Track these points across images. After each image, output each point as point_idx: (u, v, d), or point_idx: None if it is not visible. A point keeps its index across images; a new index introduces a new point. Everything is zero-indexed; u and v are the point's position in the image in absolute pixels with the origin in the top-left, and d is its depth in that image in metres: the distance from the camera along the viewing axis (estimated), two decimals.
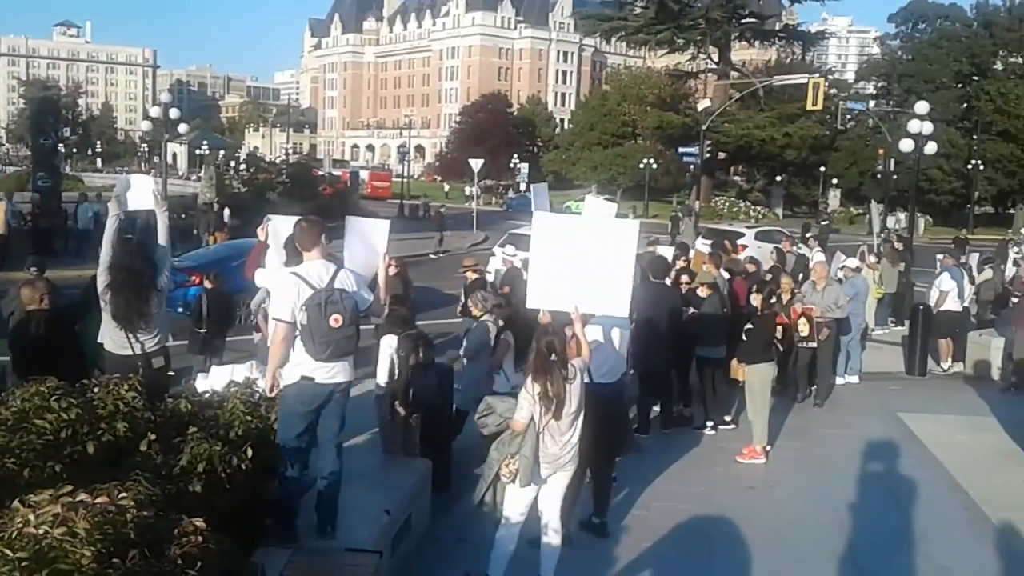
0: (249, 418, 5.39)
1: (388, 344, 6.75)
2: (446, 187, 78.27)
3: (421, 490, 6.49)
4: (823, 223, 41.33)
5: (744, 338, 8.42)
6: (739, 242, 20.94)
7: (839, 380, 11.60)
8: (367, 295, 5.32)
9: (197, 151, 79.72)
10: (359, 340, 5.11)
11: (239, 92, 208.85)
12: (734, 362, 8.79)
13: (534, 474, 5.25)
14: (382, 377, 6.74)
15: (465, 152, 69.98)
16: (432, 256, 28.85)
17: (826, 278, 11.00)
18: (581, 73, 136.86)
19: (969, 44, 65.21)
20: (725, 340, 9.18)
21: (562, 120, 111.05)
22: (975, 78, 64.43)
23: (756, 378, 8.36)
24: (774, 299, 8.69)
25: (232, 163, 75.28)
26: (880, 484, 7.83)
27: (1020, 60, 63.98)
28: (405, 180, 65.13)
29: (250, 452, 4.85)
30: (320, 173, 53.31)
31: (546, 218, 6.42)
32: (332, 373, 5.05)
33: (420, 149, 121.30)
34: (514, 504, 5.33)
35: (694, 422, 9.49)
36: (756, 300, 8.54)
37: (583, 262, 5.93)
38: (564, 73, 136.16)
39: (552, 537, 5.43)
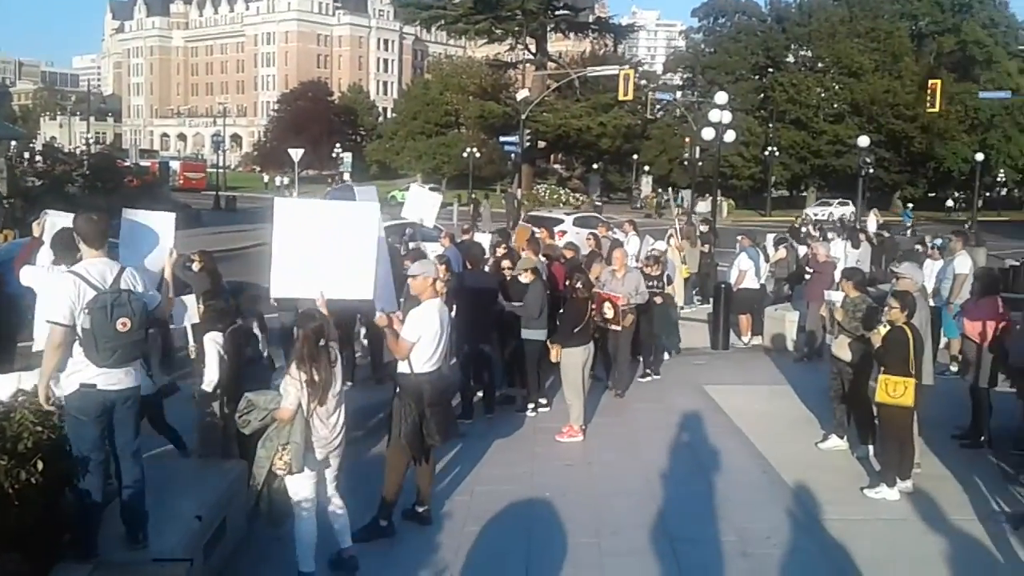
0: (40, 429, 4.99)
1: (213, 340, 6.46)
2: (265, 178, 75.76)
3: (237, 492, 6.26)
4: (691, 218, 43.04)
5: (559, 322, 8.66)
6: (559, 228, 21.59)
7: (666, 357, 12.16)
8: (156, 296, 5.07)
9: None
10: (147, 343, 4.85)
11: (32, 78, 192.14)
12: (551, 344, 9.04)
13: (308, 459, 5.32)
14: (211, 375, 6.44)
15: (285, 141, 67.96)
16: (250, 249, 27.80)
17: (625, 265, 10.74)
18: (403, 61, 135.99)
19: (764, 38, 70.01)
20: (547, 323, 9.42)
21: (385, 109, 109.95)
22: (770, 70, 69.26)
23: (570, 360, 8.63)
24: (580, 284, 8.90)
25: (26, 154, 69.39)
26: (688, 453, 8.31)
27: (810, 53, 69.31)
28: (221, 171, 62.40)
29: (41, 465, 4.51)
30: (126, 164, 50.06)
31: (287, 204, 6.44)
32: (116, 379, 4.75)
33: (237, 138, 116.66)
34: (300, 493, 5.39)
35: (517, 404, 9.70)
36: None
37: (326, 247, 6.01)
38: (385, 61, 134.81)
39: (341, 513, 5.64)
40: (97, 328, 4.58)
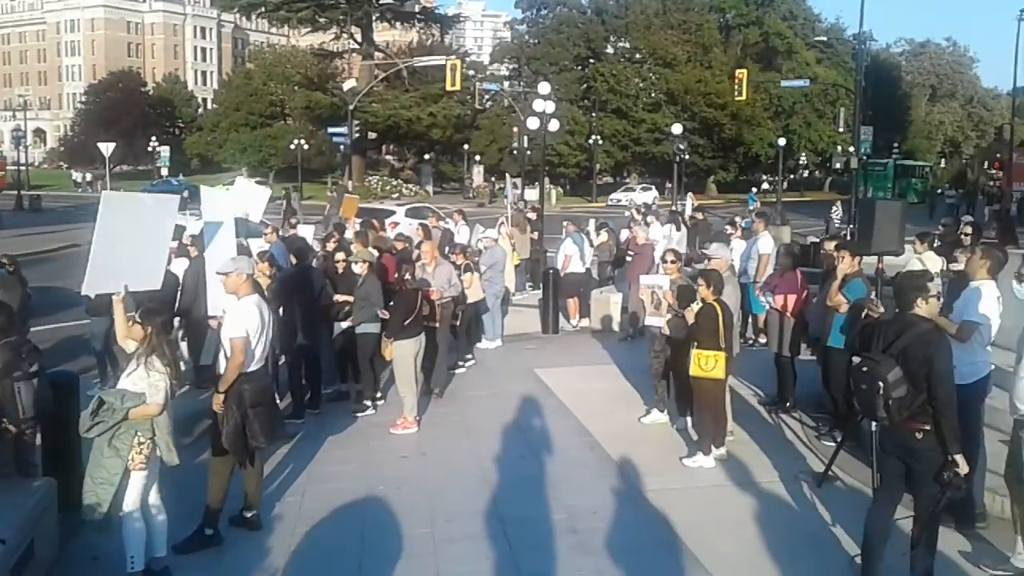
0: None
1: None
2: (74, 175, 70.82)
3: (44, 512, 5.85)
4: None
5: (388, 314, 8.62)
6: (390, 220, 21.46)
7: (484, 344, 12.35)
8: None
9: None
10: None
11: None
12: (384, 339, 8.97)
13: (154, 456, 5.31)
14: None
15: (95, 135, 63.55)
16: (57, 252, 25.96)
17: (435, 259, 10.34)
18: (222, 50, 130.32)
19: (585, 30, 72.11)
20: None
21: (205, 100, 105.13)
22: (591, 61, 71.48)
23: (401, 353, 8.61)
24: (408, 275, 8.92)
25: None
26: (519, 436, 8.49)
27: (627, 45, 72.00)
28: (23, 168, 57.69)
29: None
30: None
31: (113, 198, 6.29)
32: None
33: (40, 133, 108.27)
34: (138, 490, 5.31)
35: (352, 399, 9.60)
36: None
37: (129, 239, 5.97)
38: (203, 50, 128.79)
39: (161, 519, 5.53)
40: None
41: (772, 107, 69.57)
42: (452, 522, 6.43)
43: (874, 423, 6.34)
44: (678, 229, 17.53)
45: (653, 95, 68.16)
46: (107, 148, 37.24)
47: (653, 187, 61.36)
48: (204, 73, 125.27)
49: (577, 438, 8.44)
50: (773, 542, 6.01)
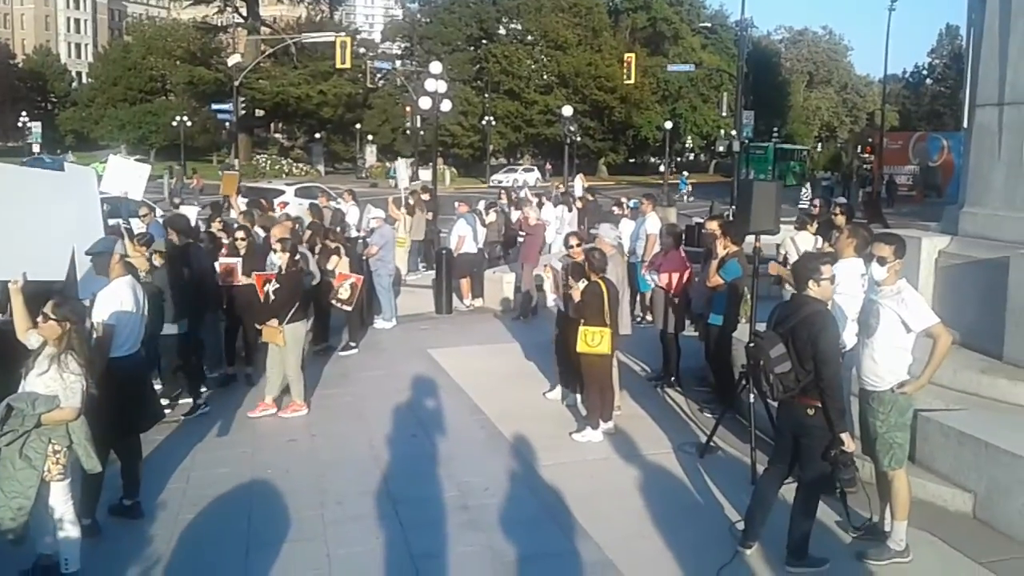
0: None
1: None
2: None
3: None
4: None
5: (272, 297, 8.42)
6: (279, 199, 20.92)
7: (379, 324, 12.28)
8: None
9: None
10: None
11: None
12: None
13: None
14: None
15: None
16: None
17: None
18: (97, 22, 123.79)
19: (477, 10, 71.82)
20: None
21: (79, 74, 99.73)
22: (484, 41, 71.34)
23: (293, 335, 8.44)
24: (297, 256, 8.77)
25: None
26: (412, 416, 8.49)
27: (519, 26, 72.17)
28: None
29: None
30: None
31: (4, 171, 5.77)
32: None
33: None
34: (65, 497, 4.95)
35: (239, 380, 9.40)
36: (281, 259, 8.52)
37: (27, 221, 5.47)
38: (77, 21, 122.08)
39: (73, 527, 5.08)
40: None
41: (660, 91, 71.21)
42: (342, 504, 6.38)
43: (755, 397, 6.68)
44: (569, 210, 17.77)
45: (545, 77, 68.70)
46: None
47: (536, 168, 61.73)
48: (78, 45, 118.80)
49: (469, 416, 8.49)
50: (658, 511, 6.21)
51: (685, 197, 44.55)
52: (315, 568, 5.40)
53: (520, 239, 14.00)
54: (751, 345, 5.20)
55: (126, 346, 5.95)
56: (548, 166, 65.67)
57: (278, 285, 8.36)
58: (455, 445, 7.66)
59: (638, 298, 12.10)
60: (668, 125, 60.65)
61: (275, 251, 8.66)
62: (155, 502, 6.32)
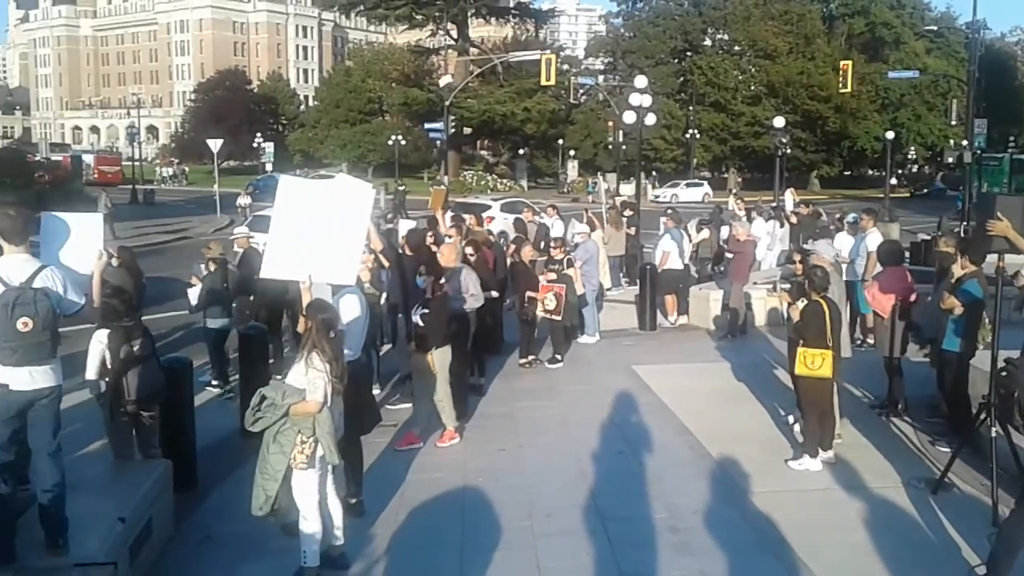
0: None
1: (98, 340, 6.26)
2: (158, 170, 74.10)
3: (161, 492, 6.12)
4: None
5: (422, 324, 7.90)
6: (486, 214, 21.60)
7: (583, 339, 12.30)
8: (76, 297, 4.89)
9: None
10: (58, 344, 4.68)
11: None
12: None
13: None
14: (90, 374, 6.25)
15: (203, 132, 66.09)
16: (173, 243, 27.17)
17: (455, 262, 8.98)
18: (323, 48, 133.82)
19: (682, 22, 70.99)
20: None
21: (306, 97, 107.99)
22: (688, 54, 70.31)
23: (437, 361, 7.85)
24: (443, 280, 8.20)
25: None
26: (617, 433, 8.42)
27: (726, 36, 70.56)
28: (137, 163, 60.54)
29: None
30: (36, 158, 48.21)
31: (291, 183, 6.24)
32: (32, 378, 4.59)
33: (153, 130, 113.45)
34: (309, 489, 5.22)
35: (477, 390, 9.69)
36: (426, 283, 8.10)
37: (319, 228, 5.84)
38: (305, 48, 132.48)
39: (338, 510, 5.50)
40: None
41: (879, 99, 67.04)
42: (551, 516, 6.41)
43: (998, 431, 6.07)
44: (781, 225, 17.09)
45: (753, 88, 66.64)
46: (215, 144, 38.55)
47: (704, 184, 57.98)
48: (306, 71, 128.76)
49: (676, 436, 8.31)
50: (885, 549, 5.77)
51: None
52: None
53: (729, 256, 13.57)
54: (1003, 374, 4.72)
55: (353, 351, 6.29)
56: (738, 179, 63.23)
57: (426, 311, 7.87)
58: (662, 465, 7.52)
59: (858, 320, 11.39)
60: (889, 135, 56.93)
61: (420, 275, 8.29)
62: (374, 502, 6.63)
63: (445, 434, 8.10)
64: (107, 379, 6.20)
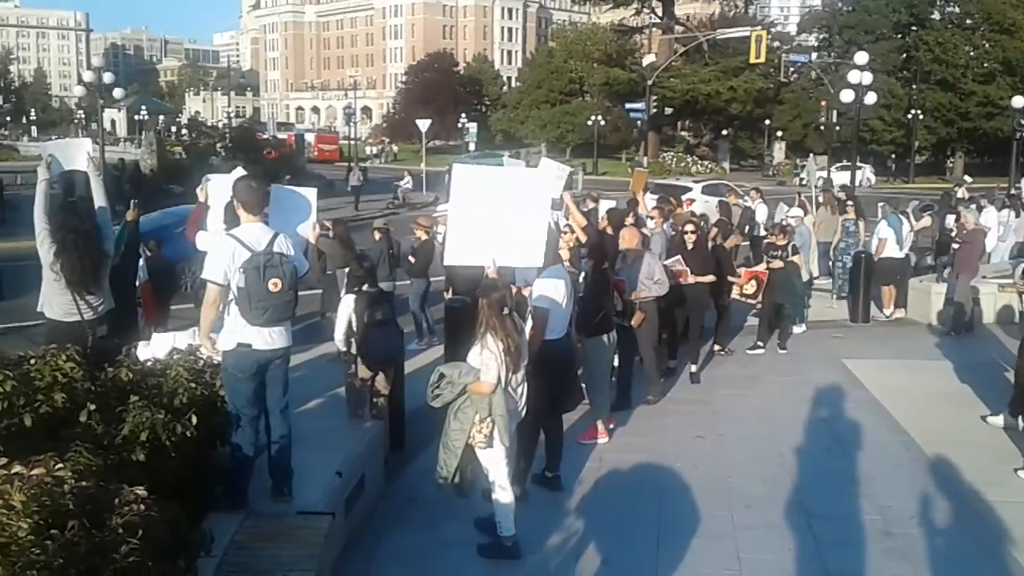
0: (193, 385, 5.27)
1: (346, 304, 6.74)
2: (395, 148, 77.56)
3: (375, 451, 6.48)
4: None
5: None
6: (686, 196, 21.16)
7: (796, 329, 11.73)
8: (305, 262, 5.28)
9: (136, 116, 77.64)
10: (296, 305, 5.04)
11: (177, 55, 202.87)
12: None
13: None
14: (338, 337, 6.74)
15: (412, 113, 69.14)
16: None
17: (637, 247, 8.45)
18: (526, 30, 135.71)
19: None
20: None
21: (509, 78, 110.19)
22: (913, 28, 65.17)
23: (589, 352, 7.55)
24: (605, 264, 7.84)
25: (173, 128, 72.98)
26: (825, 428, 8.02)
27: (957, 9, 64.81)
28: (352, 142, 64.11)
29: (195, 420, 4.75)
30: (264, 136, 52.35)
31: (465, 171, 6.39)
32: (271, 339, 4.97)
33: (367, 110, 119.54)
34: (498, 465, 5.30)
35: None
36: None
37: (500, 213, 5.94)
38: (509, 30, 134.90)
39: (504, 492, 5.44)
40: (251, 287, 4.80)
41: None
42: (751, 507, 6.21)
43: None
44: (1016, 215, 15.56)
45: (986, 65, 60.84)
46: (424, 124, 40.19)
47: (865, 167, 48.78)
48: (510, 52, 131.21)
49: (891, 436, 7.80)
50: None
51: None
52: (726, 568, 5.33)
53: (955, 246, 12.50)
54: None
55: (556, 330, 6.34)
56: (949, 164, 57.43)
57: (581, 294, 7.52)
58: (875, 465, 7.07)
59: None
60: None
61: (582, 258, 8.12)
62: (572, 478, 6.69)
63: (588, 431, 7.60)
64: (352, 340, 6.65)
